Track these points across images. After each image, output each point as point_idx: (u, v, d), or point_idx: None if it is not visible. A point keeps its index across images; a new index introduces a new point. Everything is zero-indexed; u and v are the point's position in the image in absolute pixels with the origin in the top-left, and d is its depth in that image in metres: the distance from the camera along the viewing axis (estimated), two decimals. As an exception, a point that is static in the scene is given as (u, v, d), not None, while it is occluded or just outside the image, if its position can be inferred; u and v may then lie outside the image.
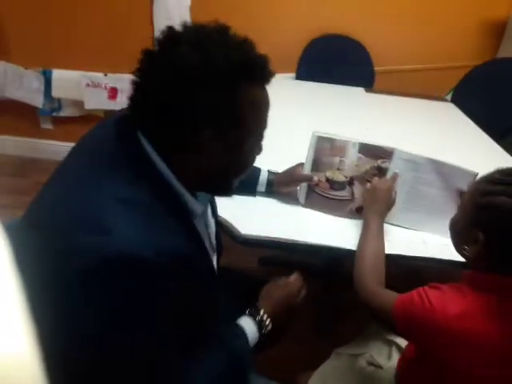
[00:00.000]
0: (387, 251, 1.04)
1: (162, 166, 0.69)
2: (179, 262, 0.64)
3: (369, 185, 1.14)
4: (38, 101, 2.65)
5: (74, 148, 0.79)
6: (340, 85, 2.35)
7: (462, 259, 0.88)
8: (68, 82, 2.61)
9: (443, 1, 2.48)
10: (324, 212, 1.22)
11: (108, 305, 0.59)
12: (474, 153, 1.69)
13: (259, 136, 0.76)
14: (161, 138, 0.68)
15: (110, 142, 0.70)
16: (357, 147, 1.15)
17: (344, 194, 1.21)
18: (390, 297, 0.88)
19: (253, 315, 0.91)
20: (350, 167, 1.17)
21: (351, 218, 1.21)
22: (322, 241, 1.11)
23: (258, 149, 0.79)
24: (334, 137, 1.16)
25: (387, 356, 1.13)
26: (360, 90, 2.37)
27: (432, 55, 2.60)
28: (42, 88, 2.62)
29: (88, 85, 2.61)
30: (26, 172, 2.67)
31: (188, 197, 0.73)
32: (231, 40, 0.68)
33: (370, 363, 1.12)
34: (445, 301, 0.79)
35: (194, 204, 0.75)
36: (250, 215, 1.16)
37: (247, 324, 0.89)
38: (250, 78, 0.68)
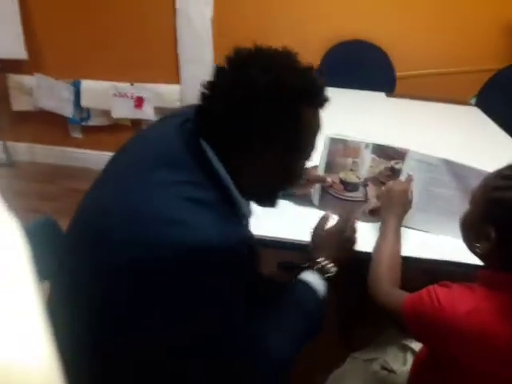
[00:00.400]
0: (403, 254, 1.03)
1: (222, 171, 0.75)
2: (252, 250, 0.72)
3: (384, 187, 1.14)
4: (68, 110, 2.77)
5: (132, 141, 0.84)
6: (361, 90, 2.35)
7: (477, 261, 0.87)
8: (96, 92, 2.72)
9: (465, 3, 2.45)
10: (338, 213, 1.23)
11: (200, 291, 0.66)
12: (499, 157, 1.65)
13: (309, 155, 0.83)
14: (223, 147, 0.74)
15: (174, 143, 0.75)
16: (370, 148, 1.16)
17: (358, 194, 1.21)
18: (402, 297, 0.88)
19: (310, 268, 0.95)
20: (364, 168, 1.18)
21: (364, 221, 1.21)
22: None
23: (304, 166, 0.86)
24: (346, 138, 1.17)
25: (402, 361, 1.12)
26: (381, 95, 2.37)
27: (455, 59, 2.56)
28: (72, 98, 2.74)
29: (115, 94, 2.71)
30: (55, 179, 2.79)
31: (242, 201, 0.79)
32: (298, 65, 0.74)
33: (384, 368, 1.12)
34: (454, 298, 0.78)
35: (246, 208, 0.82)
36: (265, 217, 1.17)
37: (308, 276, 0.93)
38: (311, 103, 0.75)
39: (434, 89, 2.55)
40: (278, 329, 0.82)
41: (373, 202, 1.20)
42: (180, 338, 0.69)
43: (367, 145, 1.16)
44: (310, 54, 2.49)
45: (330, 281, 0.95)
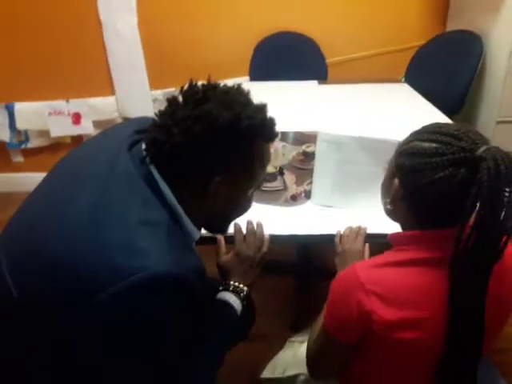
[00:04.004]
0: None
1: (167, 192, 0.76)
2: (202, 276, 0.75)
3: (340, 248, 1.11)
4: (4, 135, 2.70)
5: (67, 162, 0.85)
6: (294, 81, 2.38)
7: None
8: (31, 112, 2.66)
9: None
10: (262, 203, 1.24)
11: (154, 317, 0.67)
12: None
13: (260, 184, 0.89)
14: (176, 177, 0.76)
15: (123, 165, 0.76)
16: (278, 136, 1.17)
17: (277, 184, 1.23)
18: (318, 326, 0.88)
19: (226, 290, 0.99)
20: (277, 157, 1.20)
21: (288, 206, 1.23)
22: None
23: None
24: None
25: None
26: (313, 84, 2.40)
27: (382, 40, 2.62)
28: (7, 122, 2.66)
29: (51, 113, 2.66)
30: (0, 207, 2.70)
31: (188, 222, 0.81)
32: (252, 103, 0.79)
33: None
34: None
35: (193, 229, 0.83)
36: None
37: (226, 296, 0.98)
38: (264, 138, 0.80)
39: (366, 71, 2.62)
40: (206, 357, 0.86)
41: (292, 189, 1.22)
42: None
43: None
44: (239, 51, 2.55)
45: (246, 298, 0.99)
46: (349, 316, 0.76)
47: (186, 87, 0.78)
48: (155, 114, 0.78)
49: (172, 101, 0.77)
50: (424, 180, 0.73)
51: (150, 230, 0.69)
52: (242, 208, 0.90)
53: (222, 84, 0.79)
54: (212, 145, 0.74)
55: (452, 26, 2.57)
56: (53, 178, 0.83)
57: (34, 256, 0.69)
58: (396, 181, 0.79)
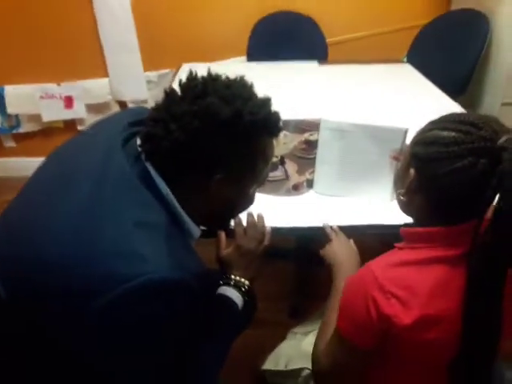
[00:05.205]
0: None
1: (165, 190, 0.72)
2: (202, 277, 0.71)
3: (328, 248, 1.06)
4: (-5, 120, 2.63)
5: (66, 151, 0.81)
6: (293, 61, 2.30)
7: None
8: (22, 96, 2.58)
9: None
10: (263, 193, 1.20)
11: (153, 322, 0.65)
12: (430, 111, 1.65)
13: (263, 181, 0.84)
14: (174, 174, 0.72)
15: (117, 163, 0.71)
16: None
17: (278, 173, 1.19)
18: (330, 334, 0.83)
19: (228, 284, 0.96)
20: (278, 146, 1.15)
21: (289, 196, 1.18)
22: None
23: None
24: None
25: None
26: (313, 64, 2.32)
27: (383, 19, 2.54)
28: (-3, 106, 2.59)
29: (42, 97, 2.58)
30: (-7, 193, 2.65)
31: (188, 220, 0.77)
32: (255, 97, 0.74)
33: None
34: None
35: (193, 228, 0.79)
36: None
37: (227, 291, 0.94)
38: (268, 133, 0.76)
39: (367, 51, 2.53)
40: (209, 354, 0.84)
41: (294, 178, 1.17)
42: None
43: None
44: (237, 30, 2.47)
45: (248, 292, 0.96)
46: (367, 320, 0.72)
47: (184, 79, 0.73)
48: (151, 107, 0.74)
49: (170, 93, 0.73)
50: (441, 170, 0.69)
51: (148, 232, 0.66)
52: (244, 206, 0.87)
53: (222, 76, 0.74)
54: (212, 142, 0.70)
55: (457, 4, 2.49)
56: (44, 175, 0.79)
57: (26, 260, 0.66)
58: (412, 171, 0.75)
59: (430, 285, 0.71)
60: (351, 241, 1.08)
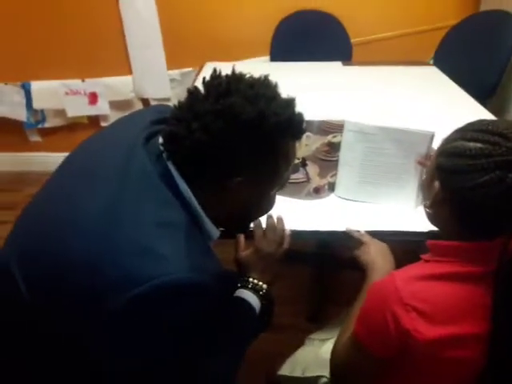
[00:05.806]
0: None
1: (185, 190, 0.72)
2: (220, 279, 0.71)
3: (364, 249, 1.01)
4: (21, 114, 2.68)
5: (89, 146, 0.81)
6: (316, 61, 2.28)
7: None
8: (47, 92, 2.63)
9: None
10: (283, 196, 1.19)
11: (172, 323, 0.65)
12: (457, 117, 1.61)
13: (285, 183, 0.82)
14: (196, 174, 0.71)
15: (139, 161, 0.71)
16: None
17: (299, 176, 1.17)
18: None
19: (245, 287, 0.95)
20: (300, 148, 1.13)
21: (310, 199, 1.17)
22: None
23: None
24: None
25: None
26: (337, 64, 2.30)
27: (410, 19, 2.49)
28: (24, 101, 2.65)
29: (67, 93, 2.62)
30: (18, 186, 2.71)
31: (207, 221, 0.77)
32: (279, 97, 0.73)
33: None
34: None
35: (212, 229, 0.79)
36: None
37: (245, 294, 0.93)
38: (291, 135, 0.74)
39: (392, 52, 2.49)
40: (226, 358, 0.84)
41: (316, 181, 1.16)
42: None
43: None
44: (260, 30, 2.46)
45: (266, 296, 0.95)
46: (385, 330, 0.71)
47: (208, 77, 0.72)
48: (174, 105, 0.73)
49: (193, 92, 0.72)
50: (467, 184, 0.67)
51: (168, 232, 0.66)
52: (264, 209, 0.86)
53: (246, 75, 0.73)
54: (234, 143, 0.69)
55: (486, 5, 2.42)
56: (68, 170, 0.79)
57: (48, 256, 0.67)
58: (436, 183, 0.72)
59: (455, 300, 0.69)
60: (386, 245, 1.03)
